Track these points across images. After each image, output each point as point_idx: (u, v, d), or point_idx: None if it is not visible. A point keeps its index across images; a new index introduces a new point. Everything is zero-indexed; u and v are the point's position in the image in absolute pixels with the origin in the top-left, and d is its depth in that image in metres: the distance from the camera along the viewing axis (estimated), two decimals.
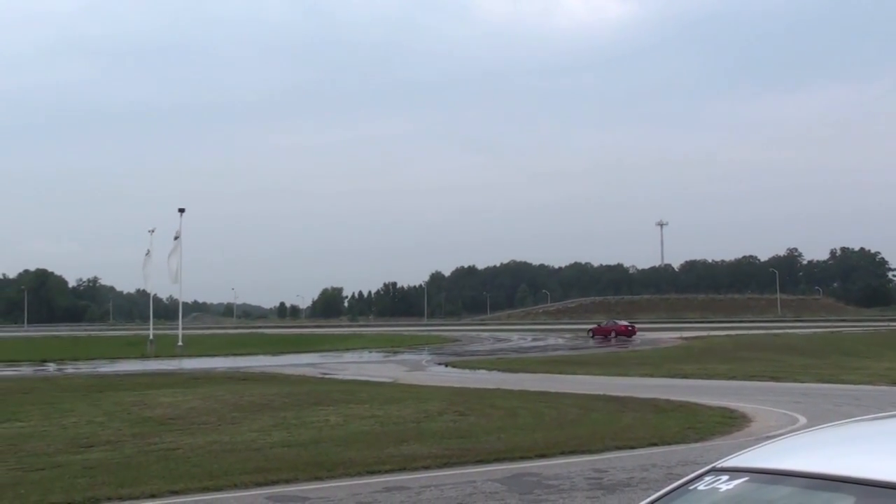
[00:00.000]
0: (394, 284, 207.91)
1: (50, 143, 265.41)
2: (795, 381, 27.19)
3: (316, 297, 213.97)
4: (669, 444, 13.89)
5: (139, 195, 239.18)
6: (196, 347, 55.69)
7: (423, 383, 27.84)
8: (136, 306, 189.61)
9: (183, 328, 59.85)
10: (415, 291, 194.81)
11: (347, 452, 12.77)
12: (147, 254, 59.06)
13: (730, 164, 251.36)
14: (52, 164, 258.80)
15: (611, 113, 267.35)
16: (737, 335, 64.65)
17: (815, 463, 2.36)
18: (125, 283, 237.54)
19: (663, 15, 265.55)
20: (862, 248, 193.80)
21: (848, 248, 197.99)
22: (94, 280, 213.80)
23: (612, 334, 68.77)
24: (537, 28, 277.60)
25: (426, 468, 11.73)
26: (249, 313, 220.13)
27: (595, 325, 75.17)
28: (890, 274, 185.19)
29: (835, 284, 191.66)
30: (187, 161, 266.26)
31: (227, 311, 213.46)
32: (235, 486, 10.56)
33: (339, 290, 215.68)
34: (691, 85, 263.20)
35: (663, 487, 2.64)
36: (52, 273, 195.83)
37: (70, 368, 39.22)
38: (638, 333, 69.54)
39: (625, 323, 73.31)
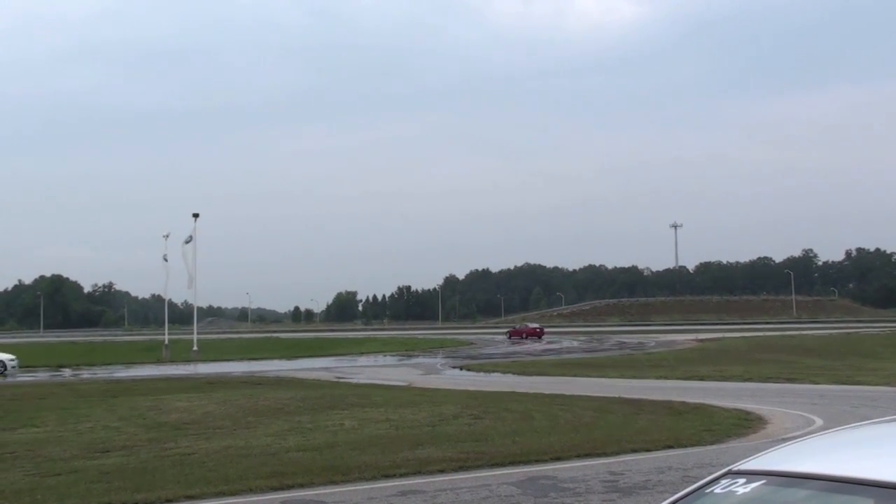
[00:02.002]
0: (408, 288, 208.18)
1: (65, 149, 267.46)
2: (811, 382, 27.05)
3: (330, 300, 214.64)
4: (685, 446, 13.85)
5: (154, 200, 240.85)
6: (211, 352, 55.85)
7: (437, 387, 27.82)
8: (151, 311, 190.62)
9: (198, 333, 60.05)
10: (429, 295, 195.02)
11: (363, 456, 12.77)
12: (165, 259, 59.29)
13: (744, 165, 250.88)
14: (67, 170, 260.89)
15: (624, 114, 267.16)
16: (752, 337, 64.40)
17: (834, 465, 2.35)
18: (140, 289, 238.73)
19: (676, 16, 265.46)
20: (877, 249, 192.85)
21: (863, 249, 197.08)
22: (109, 285, 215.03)
23: (525, 335, 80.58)
24: (550, 30, 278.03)
25: (441, 472, 11.72)
26: (264, 317, 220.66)
27: (511, 328, 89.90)
28: None
29: (850, 285, 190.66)
30: (202, 165, 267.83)
31: (242, 315, 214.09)
32: (251, 491, 10.58)
33: (353, 294, 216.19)
34: (705, 86, 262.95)
35: (679, 490, 2.62)
36: (67, 279, 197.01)
37: (86, 374, 39.42)
38: (546, 334, 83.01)
39: (535, 326, 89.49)
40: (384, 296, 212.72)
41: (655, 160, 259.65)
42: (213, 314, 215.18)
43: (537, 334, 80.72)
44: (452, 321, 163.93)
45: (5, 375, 37.05)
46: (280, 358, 51.13)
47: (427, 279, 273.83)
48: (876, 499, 2.10)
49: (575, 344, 65.32)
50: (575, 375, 32.23)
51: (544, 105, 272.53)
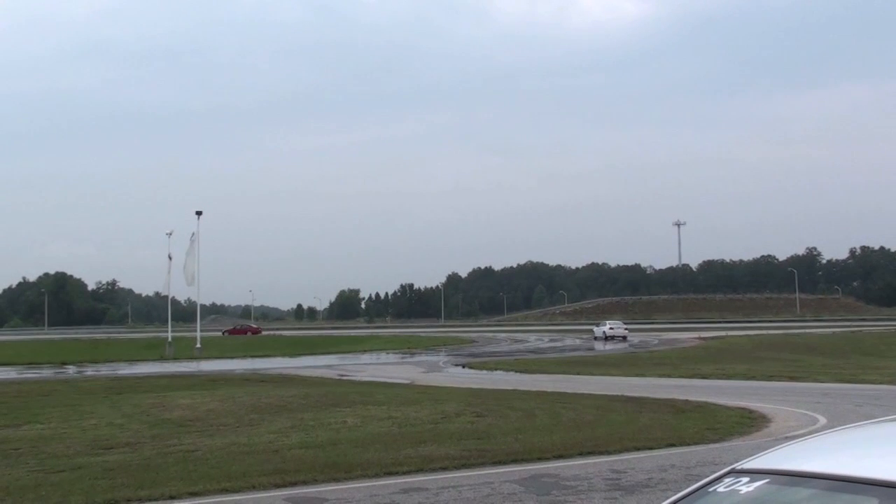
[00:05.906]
0: (410, 286, 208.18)
1: (69, 147, 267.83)
2: (815, 381, 27.03)
3: (333, 298, 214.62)
4: (688, 444, 13.83)
5: (157, 198, 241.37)
6: (214, 349, 55.91)
7: (440, 384, 27.82)
8: (155, 309, 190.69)
9: (201, 330, 60.11)
10: (431, 293, 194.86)
11: (365, 454, 12.77)
12: (169, 258, 59.24)
13: (747, 163, 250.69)
14: (71, 168, 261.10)
15: (627, 113, 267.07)
16: (755, 335, 64.37)
17: (838, 464, 2.34)
18: (144, 286, 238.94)
19: (679, 14, 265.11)
20: (882, 247, 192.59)
21: (867, 247, 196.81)
22: (113, 283, 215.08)
23: (248, 333, 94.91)
24: (553, 28, 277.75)
25: (444, 469, 11.72)
26: (267, 315, 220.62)
27: (231, 328, 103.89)
28: None
29: (854, 284, 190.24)
30: (205, 163, 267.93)
31: (245, 313, 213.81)
32: (253, 488, 10.59)
33: (356, 292, 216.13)
34: (708, 84, 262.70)
35: (682, 488, 2.62)
36: (71, 276, 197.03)
37: (90, 371, 39.46)
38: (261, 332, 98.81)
39: (254, 325, 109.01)
40: (387, 293, 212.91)
41: (659, 158, 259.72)
42: (216, 312, 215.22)
43: (255, 332, 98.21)
44: (455, 319, 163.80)
45: None
46: (283, 356, 51.12)
47: (430, 277, 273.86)
48: (880, 498, 2.09)
49: (578, 342, 65.32)
50: (577, 373, 32.24)
51: (548, 103, 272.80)
